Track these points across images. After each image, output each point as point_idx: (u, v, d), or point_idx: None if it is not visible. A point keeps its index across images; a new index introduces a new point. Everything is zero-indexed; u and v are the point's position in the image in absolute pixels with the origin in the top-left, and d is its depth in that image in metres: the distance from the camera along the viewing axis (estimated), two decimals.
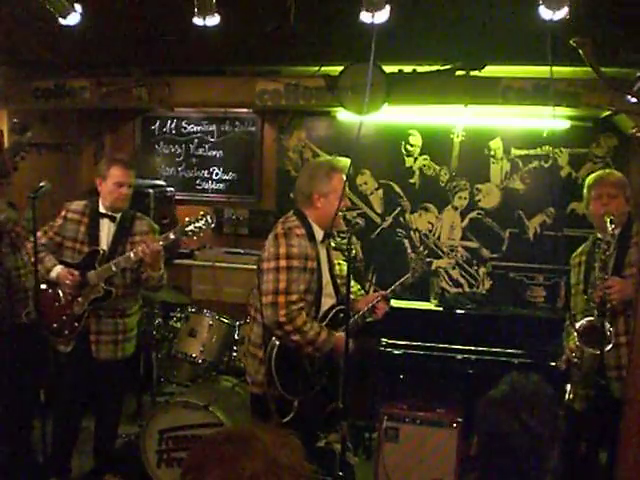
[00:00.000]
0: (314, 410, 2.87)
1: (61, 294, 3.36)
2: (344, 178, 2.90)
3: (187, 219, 3.25)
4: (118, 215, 3.43)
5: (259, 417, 2.92)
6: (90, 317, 3.35)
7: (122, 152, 5.29)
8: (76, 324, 3.33)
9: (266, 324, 2.77)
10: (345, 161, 2.95)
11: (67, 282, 3.29)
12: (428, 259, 4.74)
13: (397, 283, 3.10)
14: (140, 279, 3.40)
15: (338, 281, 3.06)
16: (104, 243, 3.39)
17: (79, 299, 3.32)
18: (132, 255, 3.23)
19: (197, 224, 3.22)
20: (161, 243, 3.22)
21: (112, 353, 3.42)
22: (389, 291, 3.07)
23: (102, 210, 3.42)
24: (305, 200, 2.91)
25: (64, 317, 3.33)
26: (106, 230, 3.41)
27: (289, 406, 2.77)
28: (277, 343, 2.76)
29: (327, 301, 2.92)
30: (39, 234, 3.37)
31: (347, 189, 2.97)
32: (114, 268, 3.26)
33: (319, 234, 2.91)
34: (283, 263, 2.73)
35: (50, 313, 3.34)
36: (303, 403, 2.79)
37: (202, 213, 3.25)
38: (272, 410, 2.75)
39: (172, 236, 3.25)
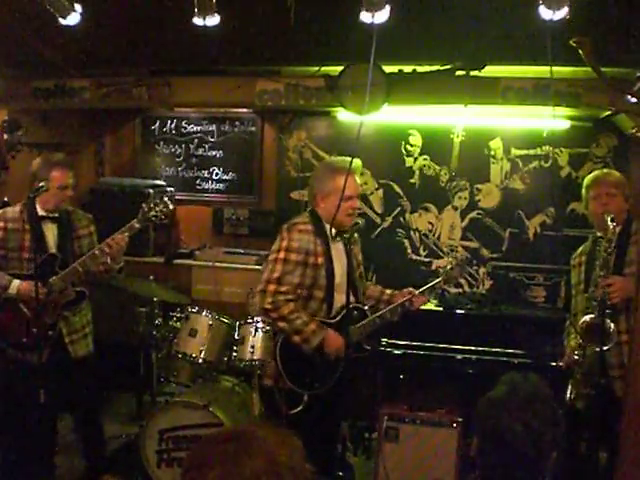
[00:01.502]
0: (325, 407, 2.89)
1: (25, 309, 3.21)
2: (355, 178, 2.99)
3: (144, 205, 3.21)
4: (57, 215, 3.35)
5: (268, 409, 2.96)
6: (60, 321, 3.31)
7: (114, 155, 5.31)
8: (50, 332, 3.26)
9: (256, 310, 2.88)
10: (356, 162, 2.98)
11: (33, 295, 3.10)
12: (428, 259, 4.75)
13: (427, 286, 3.11)
14: (89, 272, 3.33)
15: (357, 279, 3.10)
16: (52, 246, 3.32)
17: (49, 308, 3.23)
18: (97, 252, 3.19)
19: (157, 208, 3.19)
20: (127, 234, 3.20)
21: (86, 348, 3.44)
22: (418, 292, 3.10)
23: (42, 213, 3.31)
24: (312, 200, 3.04)
25: (34, 330, 3.18)
26: (50, 232, 3.33)
27: (299, 399, 2.80)
28: (281, 337, 2.85)
29: (341, 298, 2.93)
30: None
31: (357, 190, 3.01)
32: (80, 268, 3.21)
33: (332, 232, 2.96)
34: (281, 255, 2.85)
35: (17, 330, 3.19)
36: (314, 398, 2.81)
37: (159, 197, 3.24)
38: (280, 402, 2.79)
39: (137, 225, 3.22)
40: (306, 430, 2.79)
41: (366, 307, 3.07)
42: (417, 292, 3.08)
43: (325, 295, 2.90)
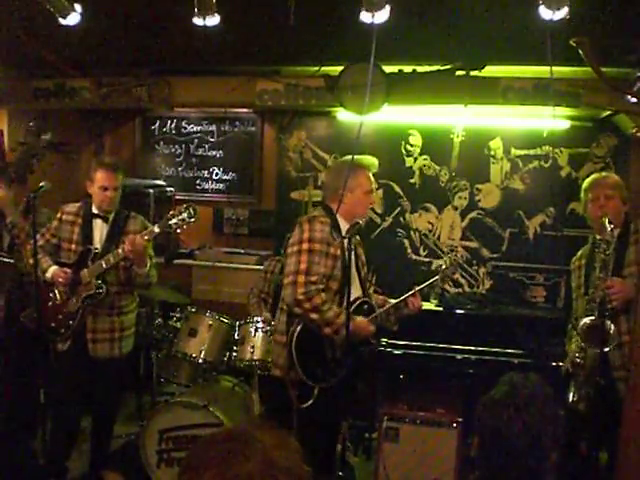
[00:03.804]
0: (334, 401, 2.90)
1: (57, 294, 3.41)
2: (370, 175, 3.09)
3: (171, 212, 3.28)
4: (110, 215, 3.48)
5: (277, 402, 2.98)
6: (87, 315, 3.38)
7: (113, 155, 5.30)
8: (70, 322, 3.36)
9: (287, 303, 2.87)
10: (371, 159, 3.13)
11: (60, 280, 3.35)
12: (428, 259, 4.75)
13: (425, 284, 3.14)
14: (130, 276, 3.43)
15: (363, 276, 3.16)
16: (97, 242, 3.44)
17: (73, 297, 3.37)
18: (120, 251, 3.27)
19: (180, 217, 3.24)
20: (146, 237, 3.24)
21: (108, 351, 3.43)
22: (417, 290, 3.12)
23: (95, 211, 3.47)
24: (333, 195, 3.04)
25: (60, 316, 3.38)
26: (99, 230, 3.46)
27: (309, 392, 2.82)
28: (299, 327, 2.84)
29: (352, 293, 2.96)
30: (37, 236, 3.41)
31: (370, 187, 3.10)
32: (104, 265, 3.31)
33: (344, 227, 3.02)
34: (305, 246, 2.86)
35: (47, 313, 3.39)
36: (323, 392, 2.83)
37: (185, 206, 3.28)
38: (291, 394, 2.80)
39: (156, 230, 3.27)
40: (313, 424, 2.82)
41: (374, 302, 3.11)
42: (417, 288, 3.10)
43: (339, 287, 2.93)
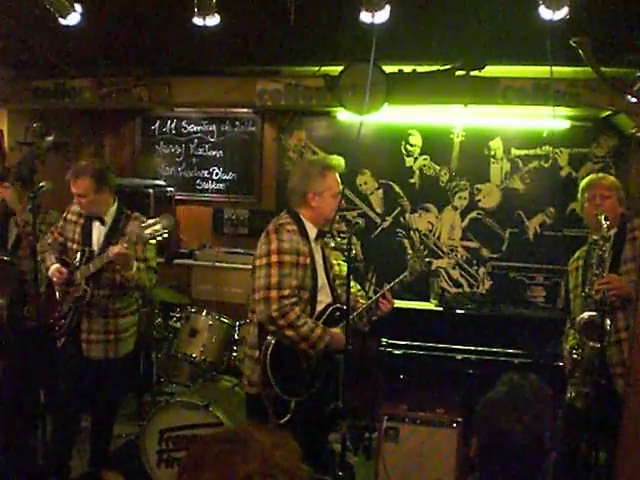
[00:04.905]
0: (312, 411, 2.86)
1: (56, 291, 3.45)
2: (337, 176, 2.94)
3: (143, 224, 3.16)
4: (107, 217, 3.46)
5: (255, 418, 2.89)
6: (81, 316, 3.38)
7: (113, 155, 5.31)
8: (63, 321, 3.39)
9: (259, 320, 2.75)
10: (338, 159, 2.97)
11: (55, 279, 3.38)
12: (427, 259, 4.74)
13: (395, 282, 3.08)
14: (123, 279, 3.37)
15: (337, 281, 3.07)
16: (95, 243, 3.44)
17: (67, 297, 3.40)
18: (105, 255, 3.25)
19: (155, 227, 3.10)
20: (125, 245, 3.16)
21: (103, 352, 3.41)
22: (387, 288, 3.05)
23: None
24: (299, 199, 2.92)
25: (56, 313, 3.42)
26: (97, 231, 3.46)
27: (286, 407, 2.75)
28: (273, 342, 2.74)
29: (323, 300, 2.91)
30: (47, 234, 3.54)
31: (345, 189, 2.98)
32: (91, 267, 3.30)
33: (312, 232, 2.91)
34: (274, 258, 2.72)
35: (48, 309, 3.45)
36: (300, 404, 2.77)
37: (162, 215, 3.18)
38: (268, 411, 2.74)
39: (131, 240, 3.15)
40: (300, 436, 2.75)
41: (345, 307, 3.02)
42: (387, 287, 3.04)
43: (309, 296, 2.84)
